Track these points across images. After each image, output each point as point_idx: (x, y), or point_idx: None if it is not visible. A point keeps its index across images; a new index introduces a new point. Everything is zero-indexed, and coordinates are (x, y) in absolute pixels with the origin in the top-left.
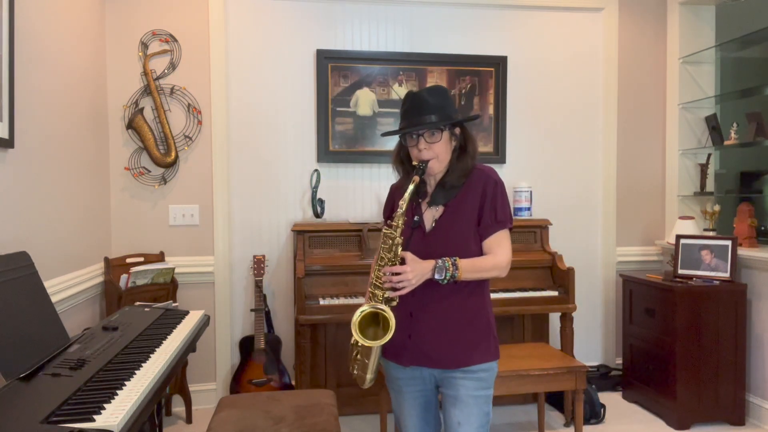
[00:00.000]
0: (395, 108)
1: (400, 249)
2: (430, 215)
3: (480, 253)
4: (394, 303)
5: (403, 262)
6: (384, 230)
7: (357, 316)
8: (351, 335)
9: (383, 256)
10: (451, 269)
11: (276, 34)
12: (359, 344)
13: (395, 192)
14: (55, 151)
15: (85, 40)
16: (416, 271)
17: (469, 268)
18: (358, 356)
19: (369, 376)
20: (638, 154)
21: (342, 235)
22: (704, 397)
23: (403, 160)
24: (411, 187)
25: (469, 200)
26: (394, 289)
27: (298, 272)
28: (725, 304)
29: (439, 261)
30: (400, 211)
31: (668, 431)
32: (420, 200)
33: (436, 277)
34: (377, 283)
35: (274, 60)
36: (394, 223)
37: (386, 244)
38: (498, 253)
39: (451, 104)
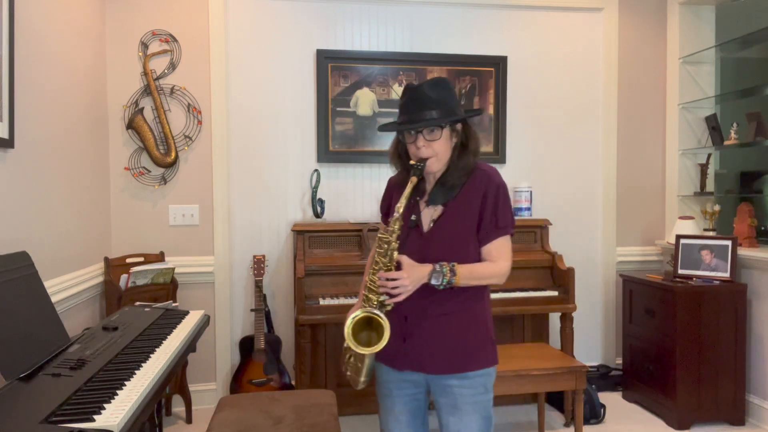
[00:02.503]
0: (395, 108)
1: (395, 254)
2: (428, 215)
3: (479, 256)
4: (389, 308)
5: (398, 266)
6: (379, 234)
7: (350, 322)
8: None
9: (378, 260)
10: (448, 275)
11: (276, 34)
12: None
13: (394, 187)
14: (55, 151)
15: (85, 40)
16: (413, 276)
17: (467, 275)
18: (351, 359)
19: (362, 378)
20: (638, 154)
21: (342, 235)
22: (704, 397)
23: (401, 155)
24: (408, 190)
25: (469, 202)
26: (390, 295)
27: (298, 272)
28: (725, 304)
29: (437, 266)
30: (397, 215)
31: (668, 431)
32: (418, 198)
33: (433, 282)
34: (372, 288)
35: (274, 60)
36: (390, 228)
37: (381, 248)
38: (498, 260)
39: (454, 98)
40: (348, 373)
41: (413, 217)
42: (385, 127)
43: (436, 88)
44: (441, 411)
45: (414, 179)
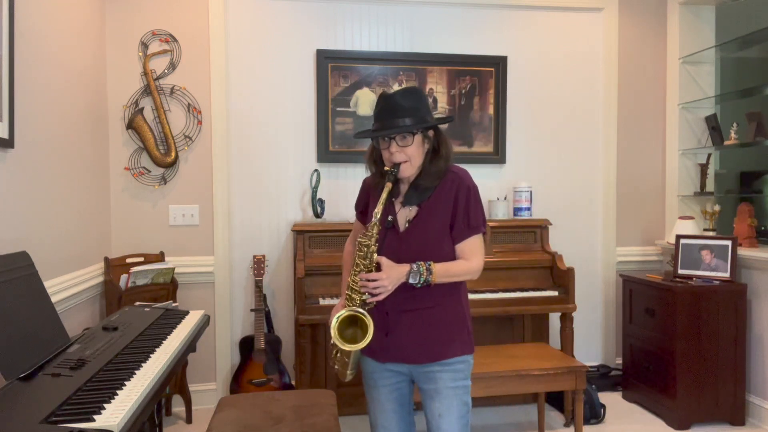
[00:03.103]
0: None
1: (375, 256)
2: (404, 215)
3: (453, 254)
4: (371, 306)
5: (378, 267)
6: (359, 238)
7: (335, 322)
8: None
9: (359, 262)
10: (425, 274)
11: (276, 34)
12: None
13: (369, 188)
14: (55, 151)
15: (85, 40)
16: (392, 277)
17: (442, 273)
18: (338, 354)
19: (349, 371)
20: (638, 154)
21: (342, 235)
22: (704, 397)
23: (376, 160)
24: (384, 195)
25: (442, 203)
26: (371, 295)
27: (298, 272)
28: (725, 304)
29: (414, 266)
30: (374, 219)
31: (668, 431)
32: (394, 199)
33: (411, 281)
34: (354, 287)
35: (274, 60)
36: (368, 233)
37: (361, 251)
38: (470, 258)
39: (425, 106)
40: (336, 366)
41: (390, 218)
42: (360, 134)
43: (408, 97)
44: (425, 397)
45: (389, 185)
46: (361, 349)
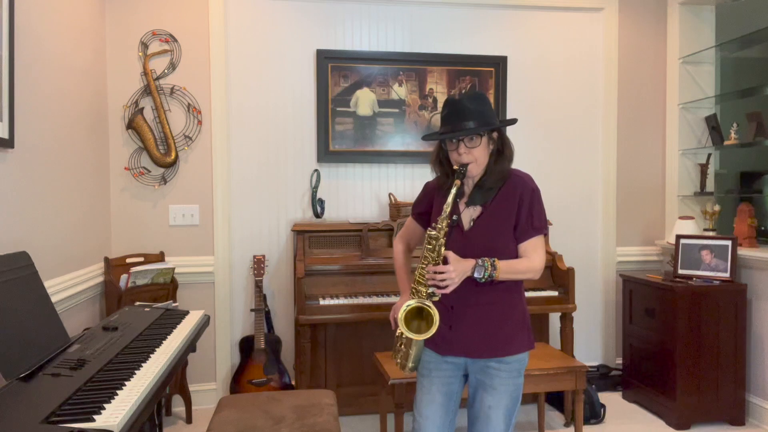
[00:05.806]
0: (395, 108)
1: (443, 249)
2: (468, 215)
3: (516, 252)
4: (436, 298)
5: (445, 261)
6: (428, 232)
7: (403, 311)
8: (351, 335)
9: (427, 255)
10: (489, 269)
11: (276, 34)
12: (404, 336)
13: (432, 190)
14: (55, 151)
15: (85, 40)
16: (458, 269)
17: (506, 269)
18: (402, 347)
19: (410, 365)
20: (638, 154)
21: (342, 235)
22: (704, 397)
23: (441, 161)
24: (453, 190)
25: (506, 203)
26: (438, 287)
27: (298, 272)
28: (725, 304)
29: (479, 260)
30: (444, 214)
31: (668, 431)
32: (458, 200)
33: (476, 275)
34: (421, 281)
35: (274, 60)
36: (438, 226)
37: (430, 244)
38: (533, 257)
39: (490, 109)
40: (398, 361)
41: (454, 217)
42: (429, 137)
43: (474, 101)
44: (478, 386)
45: (458, 182)
46: (425, 341)
